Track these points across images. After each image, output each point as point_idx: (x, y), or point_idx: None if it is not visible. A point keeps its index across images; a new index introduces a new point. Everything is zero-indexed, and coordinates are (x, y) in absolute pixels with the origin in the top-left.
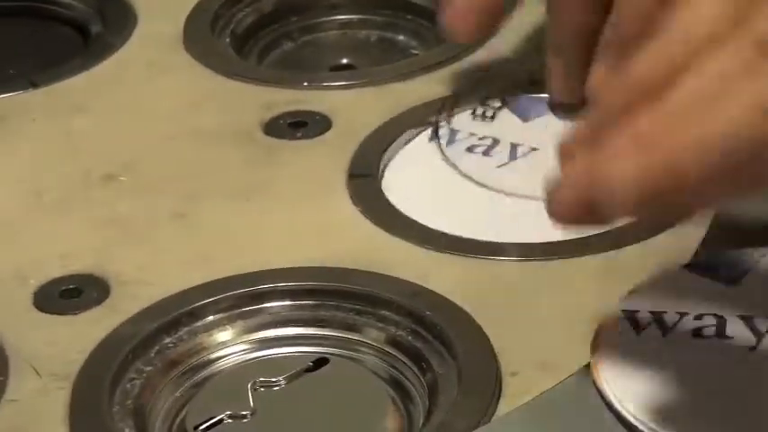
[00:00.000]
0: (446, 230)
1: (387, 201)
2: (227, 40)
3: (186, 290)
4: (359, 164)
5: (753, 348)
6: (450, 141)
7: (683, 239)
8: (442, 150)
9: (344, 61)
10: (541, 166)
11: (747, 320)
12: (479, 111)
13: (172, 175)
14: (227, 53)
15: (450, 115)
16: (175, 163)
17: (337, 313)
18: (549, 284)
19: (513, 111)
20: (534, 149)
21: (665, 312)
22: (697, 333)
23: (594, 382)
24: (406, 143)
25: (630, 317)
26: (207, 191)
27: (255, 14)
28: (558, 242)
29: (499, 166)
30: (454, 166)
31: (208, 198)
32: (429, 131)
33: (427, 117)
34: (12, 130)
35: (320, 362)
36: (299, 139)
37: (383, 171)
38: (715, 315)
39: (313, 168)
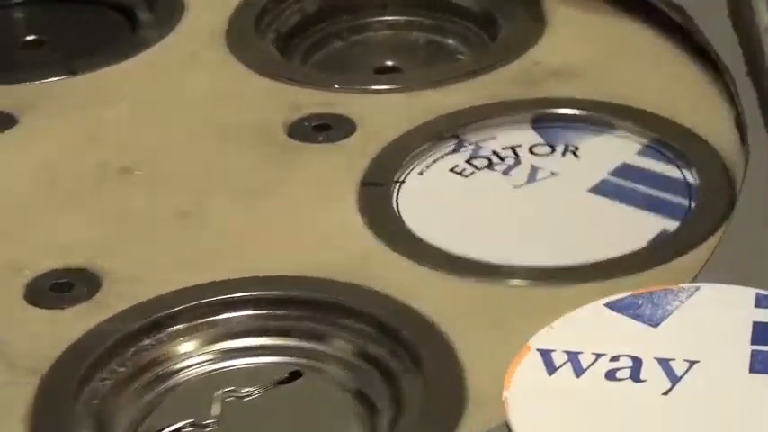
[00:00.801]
0: (451, 248)
1: (394, 213)
2: (272, 36)
3: (170, 292)
4: (374, 172)
5: (666, 393)
6: (474, 156)
7: (679, 273)
8: (462, 164)
9: (390, 63)
10: (557, 193)
11: (664, 363)
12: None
13: (188, 172)
14: (266, 50)
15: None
16: (194, 160)
17: (310, 324)
18: (541, 312)
19: (542, 135)
20: (554, 174)
21: (581, 353)
22: (611, 375)
23: (506, 422)
24: (427, 153)
25: (544, 356)
26: (218, 190)
27: (302, 12)
28: (564, 268)
29: (515, 188)
30: (471, 182)
31: (218, 197)
32: (453, 143)
33: (454, 128)
34: (42, 117)
35: (294, 374)
36: (321, 142)
37: (398, 181)
38: (631, 357)
39: (328, 174)
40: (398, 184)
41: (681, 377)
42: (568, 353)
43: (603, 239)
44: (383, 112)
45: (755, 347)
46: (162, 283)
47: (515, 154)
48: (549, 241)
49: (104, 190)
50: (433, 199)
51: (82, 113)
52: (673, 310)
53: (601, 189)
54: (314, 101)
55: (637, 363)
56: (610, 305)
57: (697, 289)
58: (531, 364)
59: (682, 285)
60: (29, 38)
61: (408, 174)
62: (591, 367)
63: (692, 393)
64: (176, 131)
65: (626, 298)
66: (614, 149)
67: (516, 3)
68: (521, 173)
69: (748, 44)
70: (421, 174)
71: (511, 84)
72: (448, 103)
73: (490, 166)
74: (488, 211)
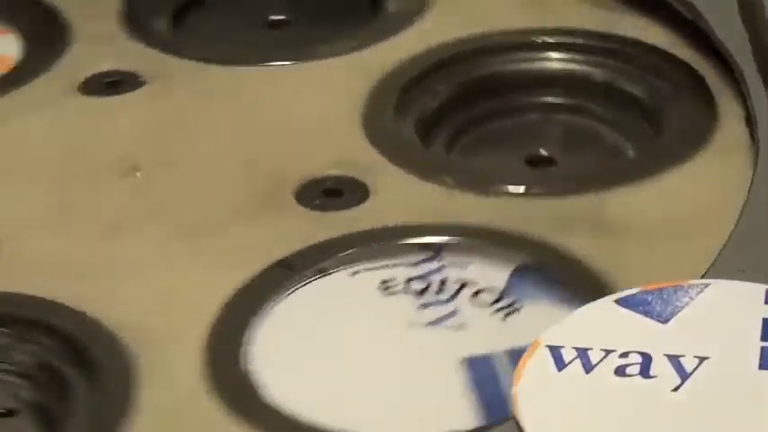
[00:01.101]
0: (264, 374)
1: (259, 307)
2: (414, 118)
3: None
4: (308, 253)
5: (676, 389)
6: (422, 276)
7: None
8: (400, 280)
9: (544, 153)
10: (434, 350)
11: (674, 360)
12: None
13: (169, 195)
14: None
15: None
16: (189, 187)
17: None
18: None
19: (508, 282)
20: (460, 328)
21: (590, 349)
22: (620, 371)
23: (515, 417)
24: (389, 255)
25: (554, 351)
26: (167, 222)
27: (454, 88)
28: None
29: (407, 327)
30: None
31: (158, 229)
32: (426, 255)
33: (445, 239)
34: (155, 92)
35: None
36: (313, 208)
37: (321, 272)
38: (641, 353)
39: (269, 242)
40: (316, 276)
41: (690, 373)
42: (578, 349)
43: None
44: (407, 197)
45: (765, 344)
46: (23, 279)
47: (458, 291)
48: (360, 404)
49: (93, 179)
50: (321, 310)
51: (189, 102)
52: (682, 307)
53: (474, 365)
54: (361, 164)
55: (646, 359)
56: (620, 302)
57: (707, 285)
58: (540, 360)
59: (691, 282)
60: (276, 17)
61: (340, 270)
62: (600, 363)
63: (702, 390)
64: (212, 153)
65: (636, 294)
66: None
67: (690, 94)
68: (434, 313)
69: (757, 40)
70: (353, 275)
71: (558, 217)
72: (478, 213)
73: (421, 293)
74: (352, 346)
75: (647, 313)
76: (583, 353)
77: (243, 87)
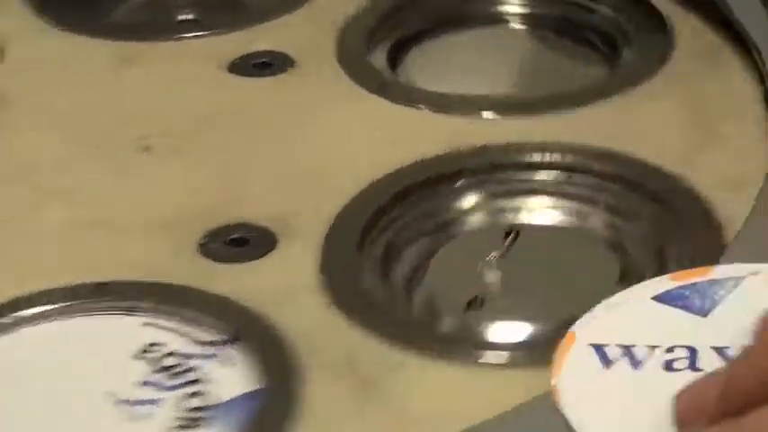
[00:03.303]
0: None
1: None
2: None
3: None
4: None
5: None
6: (185, 357)
7: None
8: None
9: None
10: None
11: (720, 351)
12: None
13: (151, 183)
14: None
15: None
16: (161, 187)
17: None
18: None
19: None
20: (150, 415)
21: (635, 345)
22: (669, 366)
23: (560, 409)
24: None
25: (597, 349)
26: (146, 224)
27: None
28: None
29: (109, 395)
30: None
31: (132, 224)
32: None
33: None
34: (268, 83)
35: None
36: (208, 255)
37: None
38: (686, 347)
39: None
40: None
41: None
42: (622, 346)
43: None
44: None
45: None
46: None
47: (189, 383)
48: None
49: (107, 151)
50: (57, 350)
51: (287, 100)
52: (720, 300)
53: None
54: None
55: (693, 353)
56: (657, 297)
57: (742, 278)
58: (581, 356)
59: (726, 274)
60: None
61: (138, 315)
62: (648, 359)
63: None
64: (215, 153)
65: (672, 290)
66: None
67: None
68: (145, 393)
69: None
70: (144, 325)
71: None
72: None
73: (162, 370)
74: (37, 394)
75: (685, 307)
76: (628, 350)
77: (344, 113)
